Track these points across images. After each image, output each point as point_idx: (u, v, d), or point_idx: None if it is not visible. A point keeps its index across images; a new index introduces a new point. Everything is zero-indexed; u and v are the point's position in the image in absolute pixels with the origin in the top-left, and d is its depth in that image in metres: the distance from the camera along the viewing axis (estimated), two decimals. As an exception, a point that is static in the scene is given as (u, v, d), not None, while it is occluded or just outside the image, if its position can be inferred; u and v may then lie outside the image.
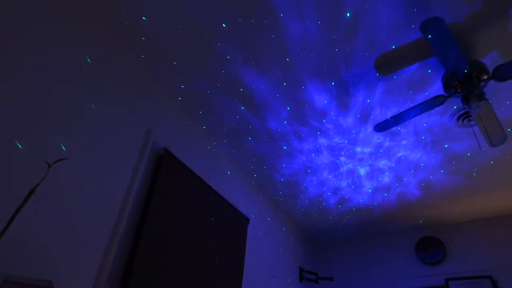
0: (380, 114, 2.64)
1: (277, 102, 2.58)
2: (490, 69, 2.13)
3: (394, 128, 2.76)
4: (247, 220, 3.15)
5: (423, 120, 2.67)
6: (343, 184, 3.44)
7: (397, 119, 2.32)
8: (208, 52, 2.23)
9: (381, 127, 2.39)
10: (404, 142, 2.89)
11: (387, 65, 2.28)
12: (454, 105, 2.52)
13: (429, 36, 1.79)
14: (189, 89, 2.52)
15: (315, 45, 2.16)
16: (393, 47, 2.15)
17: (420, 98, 2.47)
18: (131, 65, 2.30)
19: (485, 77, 2.03)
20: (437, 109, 2.55)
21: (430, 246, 3.92)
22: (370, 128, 2.77)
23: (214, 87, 2.48)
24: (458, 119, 2.62)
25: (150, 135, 2.29)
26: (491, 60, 2.17)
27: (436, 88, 2.39)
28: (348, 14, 1.99)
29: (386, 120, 2.33)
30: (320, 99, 2.54)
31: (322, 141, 2.93)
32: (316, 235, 4.44)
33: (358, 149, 2.99)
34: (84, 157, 1.83)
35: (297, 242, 4.12)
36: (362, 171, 3.25)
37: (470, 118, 2.57)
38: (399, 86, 2.41)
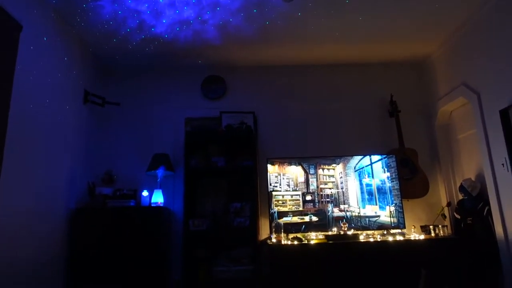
0: None
1: None
2: None
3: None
4: (19, 27, 2.59)
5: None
6: (141, 7, 3.18)
7: None
8: None
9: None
10: (211, -23, 2.83)
11: None
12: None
13: None
14: None
15: None
16: None
17: None
18: None
19: None
20: None
21: (214, 84, 4.42)
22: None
23: None
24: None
25: None
26: None
27: None
28: None
29: None
30: None
31: (124, -51, 2.49)
32: (104, 58, 4.13)
33: (164, -29, 2.73)
34: None
35: (82, 63, 3.77)
36: (164, -2, 3.06)
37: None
38: None
